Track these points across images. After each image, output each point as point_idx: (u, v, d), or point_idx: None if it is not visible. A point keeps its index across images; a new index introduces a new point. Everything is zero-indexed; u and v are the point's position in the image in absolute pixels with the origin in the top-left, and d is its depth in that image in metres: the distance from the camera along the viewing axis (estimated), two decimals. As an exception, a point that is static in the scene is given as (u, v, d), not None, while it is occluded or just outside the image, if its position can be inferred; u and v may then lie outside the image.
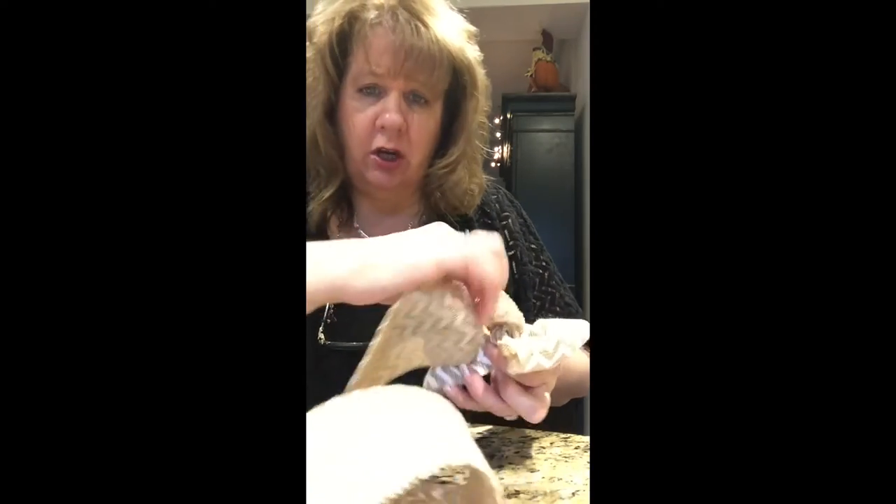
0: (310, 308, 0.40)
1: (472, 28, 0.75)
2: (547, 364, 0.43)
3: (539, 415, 0.45)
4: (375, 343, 0.41)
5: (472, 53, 0.75)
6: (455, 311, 0.43)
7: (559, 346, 0.43)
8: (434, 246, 0.42)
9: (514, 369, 0.43)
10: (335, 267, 0.40)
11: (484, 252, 0.43)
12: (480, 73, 0.76)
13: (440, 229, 0.45)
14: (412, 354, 0.45)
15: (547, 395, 0.47)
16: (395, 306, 0.40)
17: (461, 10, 0.76)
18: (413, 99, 0.71)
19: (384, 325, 0.41)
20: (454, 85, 0.75)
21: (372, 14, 0.69)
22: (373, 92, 0.71)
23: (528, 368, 0.42)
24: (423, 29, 0.68)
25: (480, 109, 0.78)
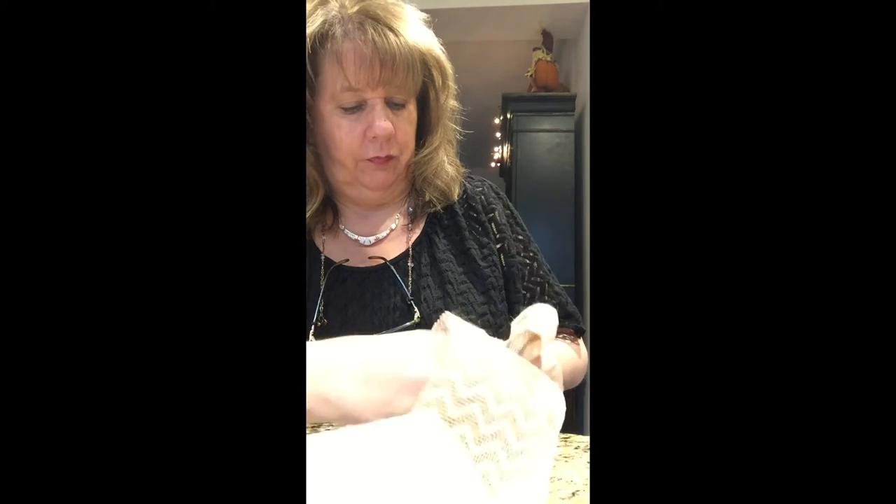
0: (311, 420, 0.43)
1: (426, 15, 0.77)
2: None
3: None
4: None
5: (439, 46, 0.76)
6: None
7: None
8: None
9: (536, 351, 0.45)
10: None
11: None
12: (447, 63, 0.78)
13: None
14: None
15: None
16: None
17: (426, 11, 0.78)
18: (393, 105, 0.73)
19: None
20: (425, 80, 0.77)
21: (339, 30, 0.70)
22: (355, 107, 0.72)
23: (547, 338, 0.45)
24: (392, 36, 0.69)
25: (451, 94, 0.80)
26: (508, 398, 0.39)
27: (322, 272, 0.78)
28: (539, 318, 0.45)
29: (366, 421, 0.39)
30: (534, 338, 0.44)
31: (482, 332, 0.45)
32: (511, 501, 0.36)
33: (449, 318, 0.44)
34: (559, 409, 0.42)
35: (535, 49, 3.21)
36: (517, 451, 0.39)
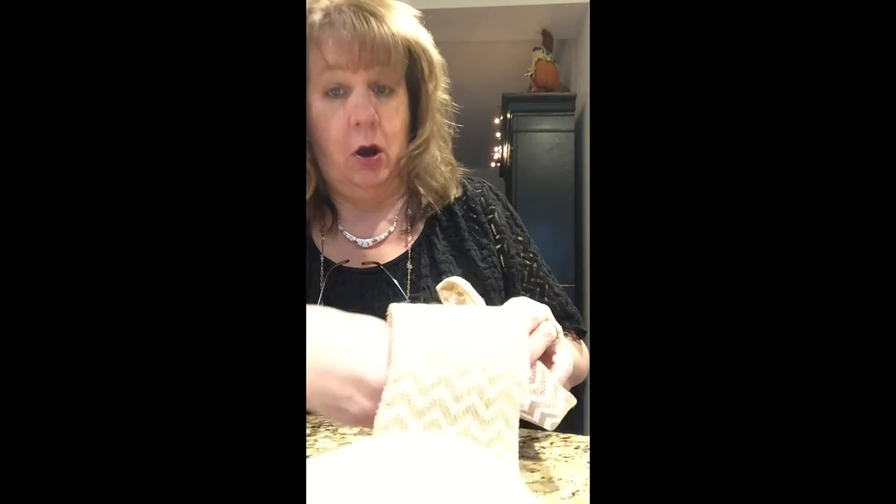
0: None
1: (418, 11, 0.77)
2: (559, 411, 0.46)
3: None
4: None
5: (426, 37, 0.77)
6: None
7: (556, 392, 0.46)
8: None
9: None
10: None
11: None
12: (435, 54, 0.78)
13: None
14: None
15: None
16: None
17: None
18: (378, 90, 0.73)
19: None
20: (412, 70, 0.77)
21: (319, 16, 0.71)
22: (339, 92, 0.72)
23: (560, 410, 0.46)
24: (373, 20, 0.70)
25: (441, 87, 0.80)
26: (468, 392, 0.40)
27: (322, 273, 0.78)
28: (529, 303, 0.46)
29: (311, 409, 0.39)
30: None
31: (437, 312, 0.44)
32: (485, 491, 0.36)
33: (394, 316, 0.43)
34: (517, 385, 0.42)
35: (535, 49, 3.21)
36: (485, 440, 0.39)
